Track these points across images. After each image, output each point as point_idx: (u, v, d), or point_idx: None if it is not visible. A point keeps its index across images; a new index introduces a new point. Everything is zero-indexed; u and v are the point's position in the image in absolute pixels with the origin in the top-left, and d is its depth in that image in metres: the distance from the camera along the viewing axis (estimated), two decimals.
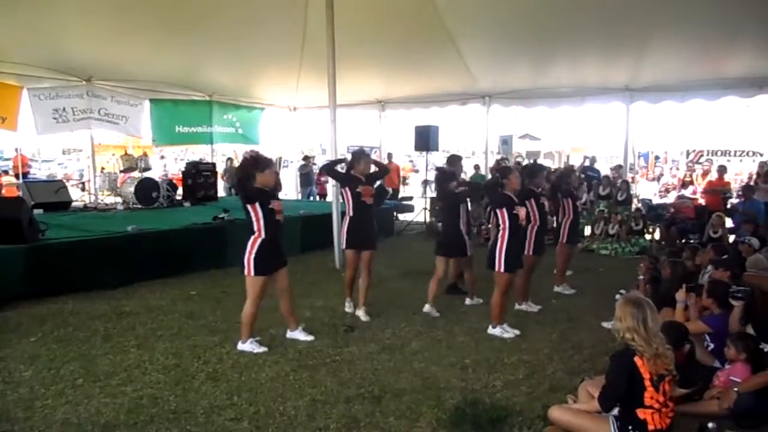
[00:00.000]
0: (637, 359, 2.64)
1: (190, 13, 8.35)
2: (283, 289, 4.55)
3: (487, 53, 10.12)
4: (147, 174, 11.09)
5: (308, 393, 3.65)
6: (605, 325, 4.91)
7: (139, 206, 10.06)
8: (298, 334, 4.67)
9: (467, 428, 3.21)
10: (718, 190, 10.39)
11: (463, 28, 9.11)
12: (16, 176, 14.06)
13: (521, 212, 4.75)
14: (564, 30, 8.56)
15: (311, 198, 14.53)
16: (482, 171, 12.90)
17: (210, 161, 12.80)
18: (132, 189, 10.23)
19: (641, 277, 5.48)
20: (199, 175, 11.28)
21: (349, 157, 6.00)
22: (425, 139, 10.65)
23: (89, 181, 12.07)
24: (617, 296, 4.99)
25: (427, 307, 5.49)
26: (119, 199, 10.80)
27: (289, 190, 14.82)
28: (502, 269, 4.74)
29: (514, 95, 11.78)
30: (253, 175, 4.23)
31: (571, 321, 5.32)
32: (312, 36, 8.98)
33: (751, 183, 10.92)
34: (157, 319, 5.21)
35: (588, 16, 7.99)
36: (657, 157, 24.61)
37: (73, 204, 10.46)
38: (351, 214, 5.24)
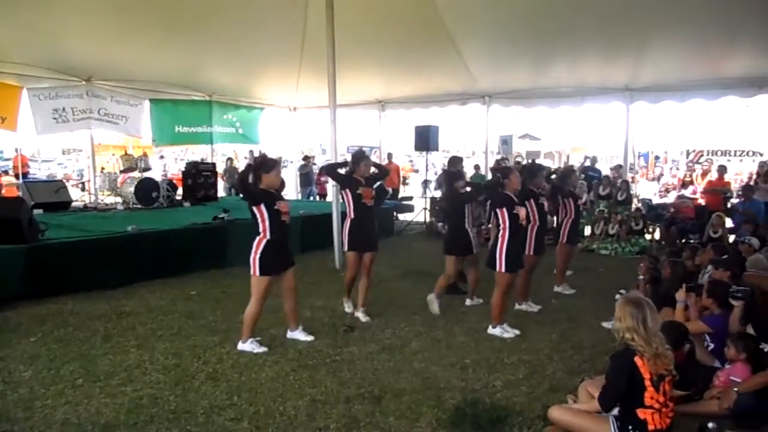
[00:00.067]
0: (637, 359, 2.64)
1: (190, 13, 8.35)
2: (289, 289, 4.55)
3: (487, 53, 10.13)
4: (147, 174, 11.09)
5: (308, 393, 3.65)
6: (605, 325, 4.91)
7: (139, 206, 10.05)
8: (298, 335, 4.67)
9: (467, 428, 3.21)
10: (718, 190, 10.39)
11: (463, 28, 9.11)
12: (16, 176, 14.07)
13: (521, 212, 4.76)
14: (564, 30, 8.55)
15: (311, 198, 14.54)
16: (482, 171, 12.90)
17: (210, 161, 12.80)
18: (132, 189, 10.23)
19: (641, 277, 5.48)
20: (199, 175, 11.28)
21: (349, 158, 6.01)
22: (425, 139, 10.65)
23: (89, 181, 12.07)
24: (617, 296, 4.99)
25: (431, 297, 5.52)
26: (119, 199, 10.79)
27: (289, 190, 14.80)
28: (503, 269, 4.74)
29: (513, 95, 11.78)
30: (259, 176, 4.24)
31: (571, 321, 5.32)
32: (312, 36, 8.98)
33: (751, 183, 10.92)
34: (157, 319, 5.21)
35: (588, 16, 7.99)
36: (657, 157, 24.62)
37: (73, 204, 10.46)
38: (352, 216, 5.24)
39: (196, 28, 8.73)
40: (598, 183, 10.64)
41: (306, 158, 15.81)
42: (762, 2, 7.04)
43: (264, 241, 4.26)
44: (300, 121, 14.99)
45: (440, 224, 10.32)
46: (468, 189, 5.80)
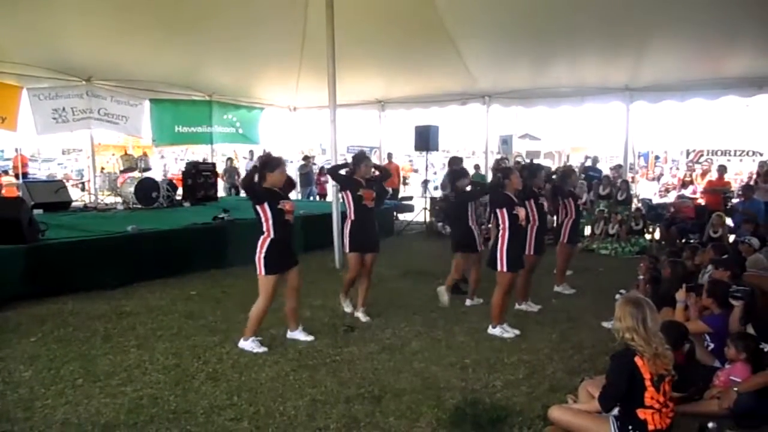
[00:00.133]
0: (637, 359, 2.64)
1: (190, 13, 8.35)
2: (293, 289, 4.55)
3: (487, 53, 10.13)
4: (147, 174, 11.07)
5: (308, 393, 3.65)
6: (605, 324, 4.91)
7: (139, 206, 10.05)
8: (299, 335, 4.67)
9: (467, 428, 3.21)
10: (718, 190, 10.38)
11: (463, 28, 9.11)
12: (16, 176, 14.06)
13: (521, 213, 4.76)
14: (564, 30, 8.55)
15: (311, 198, 14.54)
16: (482, 171, 12.90)
17: (210, 161, 12.80)
18: (132, 189, 10.22)
19: (641, 277, 5.48)
20: (199, 175, 11.27)
21: (350, 159, 6.03)
22: (425, 139, 10.66)
23: (89, 181, 12.07)
24: (617, 296, 5.00)
25: (441, 288, 5.63)
26: (119, 199, 10.78)
27: None
28: (505, 269, 4.75)
29: (513, 95, 11.78)
30: (263, 175, 4.25)
31: (571, 321, 5.32)
32: (312, 36, 8.99)
33: (751, 183, 10.92)
34: (157, 319, 5.21)
35: (588, 16, 8.00)
36: (657, 157, 24.60)
37: (73, 204, 10.45)
38: (353, 217, 5.23)
39: (196, 28, 8.73)
40: (598, 183, 10.64)
41: (306, 158, 15.80)
42: (762, 2, 7.04)
43: (268, 240, 4.26)
44: (300, 121, 14.99)
45: (440, 224, 10.34)
46: (469, 188, 5.82)
